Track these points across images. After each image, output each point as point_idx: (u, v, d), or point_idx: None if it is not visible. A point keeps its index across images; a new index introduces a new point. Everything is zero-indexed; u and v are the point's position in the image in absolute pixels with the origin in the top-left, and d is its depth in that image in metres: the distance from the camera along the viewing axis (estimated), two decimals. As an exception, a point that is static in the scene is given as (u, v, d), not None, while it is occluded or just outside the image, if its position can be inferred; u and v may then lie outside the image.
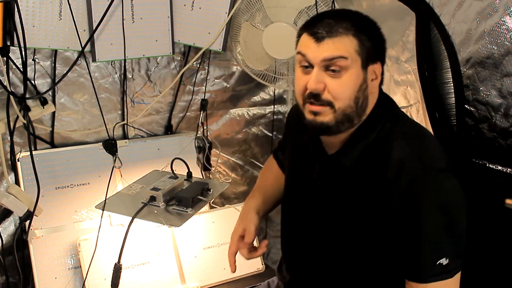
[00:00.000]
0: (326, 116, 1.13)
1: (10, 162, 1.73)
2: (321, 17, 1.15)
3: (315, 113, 1.13)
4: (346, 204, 1.20)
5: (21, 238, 1.70)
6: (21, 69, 1.59)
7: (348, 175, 1.20)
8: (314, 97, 1.12)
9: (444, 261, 1.10)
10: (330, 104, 1.12)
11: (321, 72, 1.11)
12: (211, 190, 1.66)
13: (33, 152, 1.65)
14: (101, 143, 1.80)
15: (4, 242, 1.71)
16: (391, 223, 1.13)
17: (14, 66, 1.62)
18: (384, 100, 1.23)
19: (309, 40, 1.13)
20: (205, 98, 2.05)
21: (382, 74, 1.19)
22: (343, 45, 1.09)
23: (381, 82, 1.21)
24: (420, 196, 1.09)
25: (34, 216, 1.63)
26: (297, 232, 1.36)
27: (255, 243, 1.93)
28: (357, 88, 1.12)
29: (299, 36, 1.20)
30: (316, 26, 1.12)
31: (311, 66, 1.13)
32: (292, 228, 1.39)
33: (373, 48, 1.13)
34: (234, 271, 1.37)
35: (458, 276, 1.13)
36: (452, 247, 1.11)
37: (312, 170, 1.28)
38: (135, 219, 1.48)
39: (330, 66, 1.10)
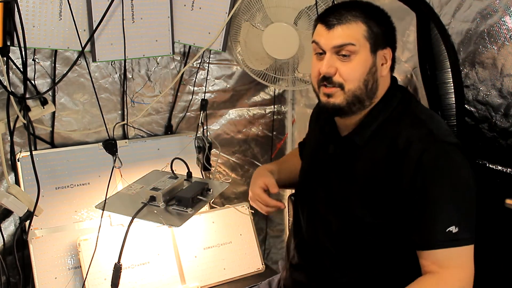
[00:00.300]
0: (338, 98, 1.22)
1: (10, 162, 1.73)
2: (334, 7, 1.26)
3: (328, 95, 1.23)
4: (357, 181, 1.25)
5: (21, 238, 1.70)
6: (21, 69, 1.59)
7: (360, 154, 1.25)
8: (327, 80, 1.21)
9: (453, 229, 1.12)
10: (341, 85, 1.21)
11: (332, 57, 1.20)
12: (211, 190, 1.66)
13: (33, 152, 1.65)
14: (101, 143, 1.79)
15: (4, 242, 1.71)
16: (401, 194, 1.17)
17: (14, 66, 1.62)
18: (397, 84, 1.31)
19: (322, 29, 1.23)
20: (205, 98, 2.05)
21: (394, 60, 1.27)
22: (352, 32, 1.19)
23: (393, 68, 1.28)
24: (430, 165, 1.14)
25: (34, 216, 1.63)
26: (309, 210, 1.39)
27: (257, 243, 1.93)
28: (367, 71, 1.20)
29: (314, 27, 1.28)
30: (329, 15, 1.22)
31: (324, 52, 1.21)
32: (305, 207, 1.42)
33: (382, 34, 1.21)
34: (284, 205, 1.43)
35: (470, 249, 1.15)
36: (461, 216, 1.14)
37: (326, 151, 1.35)
38: (135, 219, 1.48)
39: (340, 51, 1.20)
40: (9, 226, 1.75)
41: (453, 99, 1.43)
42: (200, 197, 1.59)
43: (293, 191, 2.18)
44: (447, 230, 1.12)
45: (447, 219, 1.13)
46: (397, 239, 1.22)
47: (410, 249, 1.20)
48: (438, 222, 1.14)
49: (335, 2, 1.69)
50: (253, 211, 1.99)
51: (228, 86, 2.11)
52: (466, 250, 1.15)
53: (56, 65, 1.73)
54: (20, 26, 1.49)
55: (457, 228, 1.12)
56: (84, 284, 1.63)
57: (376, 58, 1.21)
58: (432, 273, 1.16)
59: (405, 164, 1.16)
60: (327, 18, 1.21)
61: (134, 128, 1.97)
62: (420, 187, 1.15)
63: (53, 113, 1.78)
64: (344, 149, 1.30)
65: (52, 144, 1.81)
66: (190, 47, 1.93)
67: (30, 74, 1.67)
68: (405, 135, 1.19)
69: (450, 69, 1.42)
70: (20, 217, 1.62)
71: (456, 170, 1.16)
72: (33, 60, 1.69)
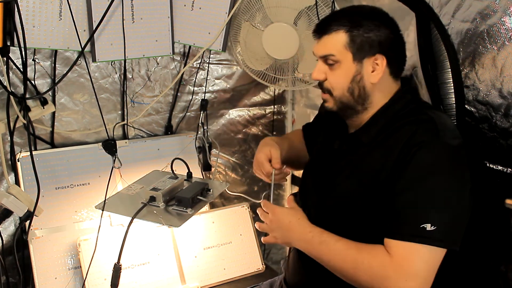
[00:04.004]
0: (330, 103, 1.30)
1: (10, 162, 1.73)
2: (327, 16, 1.32)
3: (324, 100, 1.32)
4: (360, 177, 1.25)
5: (21, 238, 1.70)
6: (21, 69, 1.59)
7: (365, 151, 1.26)
8: (320, 85, 1.30)
9: (428, 226, 1.09)
10: (329, 92, 1.29)
11: (323, 64, 1.28)
12: (211, 190, 1.66)
13: (33, 152, 1.65)
14: (101, 143, 1.80)
15: (4, 242, 1.71)
16: (395, 186, 1.16)
17: (14, 66, 1.62)
18: (408, 87, 1.33)
19: (314, 37, 1.30)
20: (205, 98, 2.05)
21: (395, 65, 1.27)
22: (332, 43, 1.24)
23: (396, 73, 1.28)
24: (424, 160, 1.14)
25: (34, 216, 1.63)
26: (307, 205, 1.39)
27: (257, 243, 1.93)
28: (350, 80, 1.25)
29: None
30: (317, 25, 1.29)
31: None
32: (304, 202, 1.41)
33: (369, 42, 1.21)
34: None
35: (440, 253, 1.11)
36: (441, 218, 1.11)
37: (332, 146, 1.38)
38: (135, 219, 1.48)
39: (326, 60, 1.27)
40: (9, 226, 1.75)
41: (453, 99, 1.43)
42: (200, 197, 1.59)
43: (294, 190, 2.18)
44: (421, 226, 1.10)
45: (424, 214, 1.11)
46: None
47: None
48: (414, 216, 1.12)
49: (335, 3, 1.69)
50: (254, 216, 1.99)
51: (228, 86, 2.11)
52: (435, 254, 1.11)
53: (56, 65, 1.73)
54: (20, 26, 1.49)
55: (433, 227, 1.09)
56: (84, 284, 1.63)
57: (362, 66, 1.23)
58: (390, 255, 1.12)
59: (402, 158, 1.16)
60: (316, 28, 1.28)
61: (134, 128, 1.97)
62: (408, 181, 1.14)
63: (53, 113, 1.78)
64: (350, 146, 1.32)
65: (52, 144, 1.81)
66: (190, 47, 1.93)
67: (30, 74, 1.67)
68: (408, 130, 1.19)
69: (450, 69, 1.42)
70: (20, 217, 1.62)
71: (451, 171, 1.15)
72: (33, 60, 1.69)
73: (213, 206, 2.04)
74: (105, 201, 1.56)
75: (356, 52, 1.22)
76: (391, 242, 1.14)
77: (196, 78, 2.02)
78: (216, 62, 2.05)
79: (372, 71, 1.24)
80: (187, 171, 1.70)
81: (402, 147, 1.17)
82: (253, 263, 1.91)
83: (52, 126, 1.80)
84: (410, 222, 1.12)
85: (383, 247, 1.15)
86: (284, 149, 1.52)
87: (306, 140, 1.64)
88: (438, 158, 1.14)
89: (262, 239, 1.38)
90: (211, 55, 2.01)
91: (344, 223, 1.27)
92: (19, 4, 1.50)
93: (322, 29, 1.26)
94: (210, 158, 2.05)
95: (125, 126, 1.93)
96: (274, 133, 2.28)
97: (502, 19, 1.24)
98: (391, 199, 1.17)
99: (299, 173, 1.86)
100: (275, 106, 2.26)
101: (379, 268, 1.13)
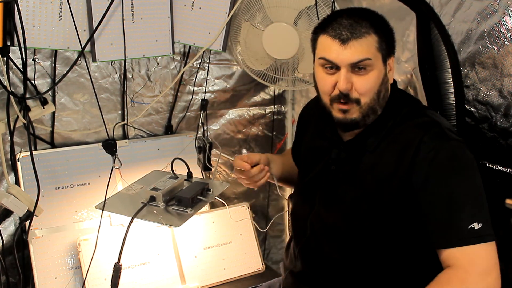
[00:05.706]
0: (354, 113, 1.20)
1: (10, 162, 1.73)
2: (337, 17, 1.18)
3: (345, 111, 1.20)
4: (366, 185, 1.23)
5: (21, 238, 1.70)
6: (21, 69, 1.59)
7: (368, 157, 1.24)
8: (345, 97, 1.18)
9: (476, 225, 1.11)
10: (357, 101, 1.19)
11: (349, 72, 1.17)
12: (211, 190, 1.66)
13: (33, 152, 1.66)
14: (101, 143, 1.80)
15: (4, 242, 1.71)
16: (414, 193, 1.16)
17: (14, 66, 1.62)
18: (397, 87, 1.31)
19: (333, 43, 1.16)
20: (205, 98, 2.05)
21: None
22: (367, 46, 1.15)
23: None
24: (445, 163, 1.14)
25: (34, 216, 1.63)
26: (309, 216, 1.36)
27: (257, 243, 1.93)
28: (380, 82, 1.19)
29: (315, 39, 1.23)
30: (338, 27, 1.16)
31: (335, 67, 1.18)
32: (305, 213, 1.38)
33: (388, 43, 1.19)
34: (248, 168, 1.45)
35: (493, 245, 1.13)
36: (482, 212, 1.13)
37: (327, 155, 1.32)
38: (135, 219, 1.48)
39: (356, 66, 1.16)
40: (9, 226, 1.75)
41: (453, 99, 1.43)
42: (200, 197, 1.59)
43: (293, 190, 2.17)
44: (469, 227, 1.11)
45: (469, 216, 1.12)
46: (407, 241, 1.21)
47: (421, 251, 1.19)
48: (460, 220, 1.12)
49: (335, 3, 1.69)
50: (254, 216, 1.99)
51: (228, 86, 2.11)
52: (490, 246, 1.12)
53: (56, 65, 1.73)
54: (20, 26, 1.49)
55: (479, 224, 1.11)
56: (84, 284, 1.63)
57: (386, 67, 1.21)
58: (456, 267, 1.12)
59: (418, 164, 1.15)
60: (337, 31, 1.15)
61: (134, 128, 1.97)
62: (436, 185, 1.14)
63: (53, 113, 1.78)
64: (350, 154, 1.28)
65: (52, 144, 1.81)
66: (190, 47, 1.93)
67: (30, 74, 1.67)
68: (415, 135, 1.18)
69: (450, 69, 1.43)
70: (20, 217, 1.62)
71: (471, 168, 1.16)
72: (33, 60, 1.69)
73: (213, 206, 2.04)
74: (105, 201, 1.56)
75: (384, 53, 1.18)
76: (446, 251, 1.13)
77: (196, 78, 2.02)
78: (216, 62, 2.05)
79: (389, 71, 1.22)
80: (187, 171, 1.70)
81: (414, 153, 1.16)
82: (253, 263, 1.91)
83: (52, 126, 1.80)
84: (457, 227, 1.12)
85: (440, 273, 1.14)
86: (275, 161, 1.52)
87: (294, 159, 1.62)
88: (457, 157, 1.15)
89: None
90: (211, 55, 2.01)
91: (356, 232, 1.25)
92: (19, 4, 1.50)
93: (350, 31, 1.14)
94: (210, 158, 2.05)
95: (125, 126, 1.93)
96: (274, 133, 2.28)
97: (503, 19, 1.24)
98: (420, 208, 1.16)
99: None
100: (275, 106, 2.26)
101: (458, 284, 1.11)
